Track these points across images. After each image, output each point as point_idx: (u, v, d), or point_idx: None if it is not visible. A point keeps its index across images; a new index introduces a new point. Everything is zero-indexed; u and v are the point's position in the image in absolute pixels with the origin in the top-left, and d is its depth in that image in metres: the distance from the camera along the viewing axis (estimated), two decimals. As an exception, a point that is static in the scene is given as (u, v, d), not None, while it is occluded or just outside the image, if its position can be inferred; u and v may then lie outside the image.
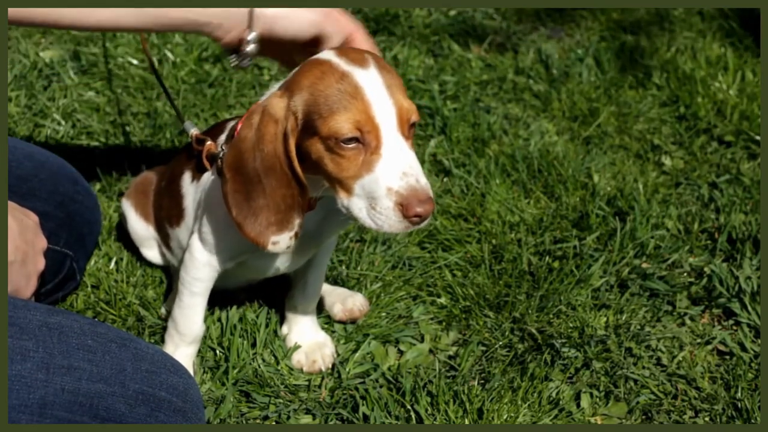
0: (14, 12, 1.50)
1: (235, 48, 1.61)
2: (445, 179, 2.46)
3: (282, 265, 1.74)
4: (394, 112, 1.38)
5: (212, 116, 2.63)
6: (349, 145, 1.39)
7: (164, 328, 1.84)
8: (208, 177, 1.66)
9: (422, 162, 2.49)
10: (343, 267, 2.13)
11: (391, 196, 1.38)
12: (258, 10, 1.55)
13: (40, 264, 1.54)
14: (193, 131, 1.71)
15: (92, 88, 2.72)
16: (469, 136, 2.60)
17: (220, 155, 1.58)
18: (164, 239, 1.95)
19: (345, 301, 1.97)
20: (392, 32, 3.13)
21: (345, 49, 1.47)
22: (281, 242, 1.52)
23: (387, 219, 1.40)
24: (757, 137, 2.64)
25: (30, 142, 2.35)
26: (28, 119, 2.55)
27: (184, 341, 1.78)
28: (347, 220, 1.53)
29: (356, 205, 1.42)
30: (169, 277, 2.06)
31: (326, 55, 1.45)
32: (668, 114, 2.80)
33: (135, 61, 2.85)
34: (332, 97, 1.38)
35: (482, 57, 3.07)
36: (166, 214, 1.90)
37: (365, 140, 1.39)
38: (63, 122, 2.54)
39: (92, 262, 2.06)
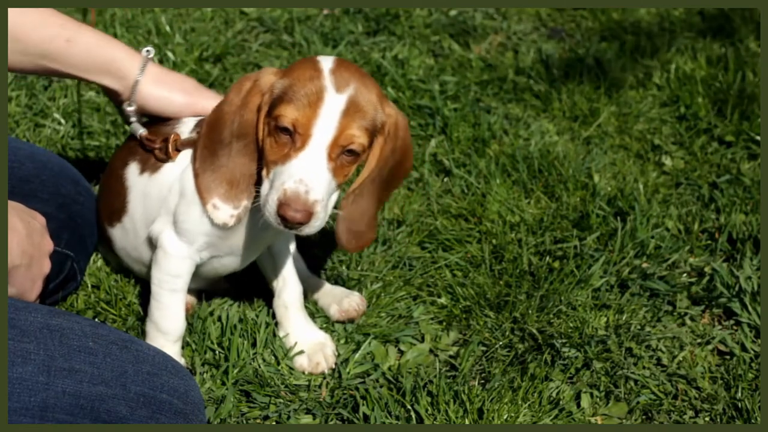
0: None
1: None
2: (446, 179, 2.46)
3: (236, 261, 1.82)
4: (332, 134, 1.54)
5: (213, 116, 2.63)
6: (283, 134, 1.55)
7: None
8: (183, 167, 1.71)
9: (422, 162, 2.49)
10: (344, 267, 2.13)
11: (278, 193, 1.54)
12: (140, 87, 1.78)
13: (46, 267, 1.54)
14: (142, 132, 1.79)
15: (92, 87, 2.72)
16: (469, 136, 2.61)
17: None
18: (107, 243, 1.95)
19: (341, 302, 1.98)
20: (393, 32, 3.14)
21: (343, 66, 1.60)
22: (221, 211, 1.66)
23: (269, 208, 1.55)
24: (758, 137, 2.64)
25: (31, 142, 2.36)
26: (29, 119, 2.55)
27: (169, 340, 1.78)
28: None
29: (264, 187, 1.59)
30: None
31: (326, 63, 1.59)
32: (668, 114, 2.80)
33: (135, 61, 2.85)
34: (298, 94, 1.54)
35: (483, 57, 3.07)
36: (104, 213, 1.90)
37: (294, 138, 1.55)
38: (63, 122, 2.55)
39: (92, 261, 2.06)
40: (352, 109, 1.55)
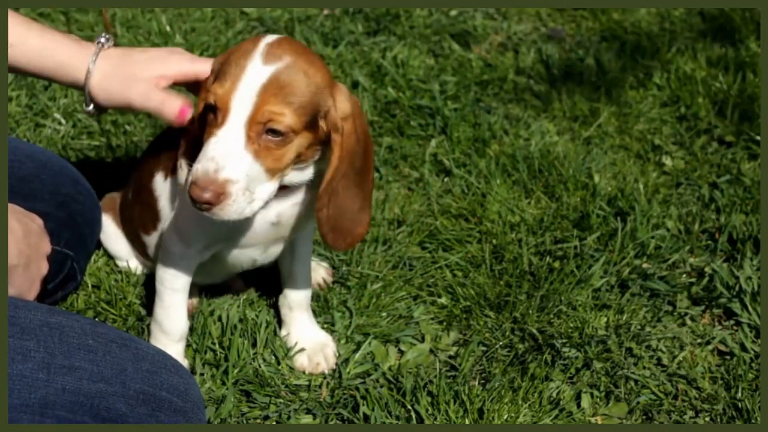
0: None
1: None
2: (446, 179, 2.46)
3: (258, 256, 1.76)
4: (249, 110, 1.43)
5: (213, 116, 2.63)
6: (211, 113, 1.46)
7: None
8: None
9: (423, 162, 2.49)
10: (344, 266, 2.13)
11: (192, 172, 1.45)
12: (91, 87, 1.65)
13: (44, 268, 1.54)
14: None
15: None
16: (469, 136, 2.61)
17: None
18: (141, 249, 1.96)
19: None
20: (393, 32, 3.14)
21: (285, 42, 1.50)
22: (183, 172, 1.59)
23: (186, 190, 1.47)
24: (758, 137, 2.64)
25: (30, 142, 2.36)
26: (29, 119, 2.55)
27: (171, 340, 1.78)
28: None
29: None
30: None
31: (266, 40, 1.49)
32: (669, 114, 2.80)
33: (136, 61, 2.85)
34: (226, 69, 1.45)
35: (483, 57, 3.07)
36: (139, 223, 1.90)
37: (216, 115, 1.45)
38: (64, 122, 2.55)
39: (93, 261, 2.06)
40: (276, 84, 1.43)
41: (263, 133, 1.45)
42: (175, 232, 1.71)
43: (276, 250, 1.78)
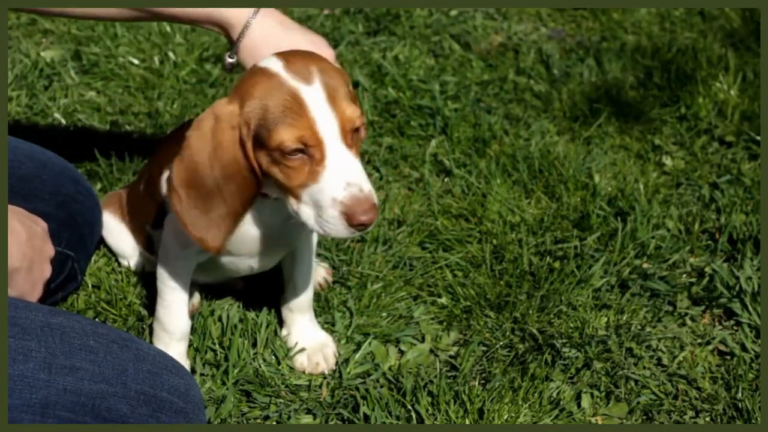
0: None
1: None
2: (446, 179, 2.46)
3: (255, 263, 1.76)
4: (336, 125, 1.44)
5: (213, 116, 2.63)
6: (295, 157, 1.44)
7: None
8: None
9: (423, 162, 2.49)
10: (344, 266, 2.13)
11: (336, 206, 1.44)
12: (242, 42, 1.70)
13: (47, 271, 1.54)
14: None
15: (93, 87, 2.72)
16: (470, 136, 2.61)
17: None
18: (146, 244, 1.96)
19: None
20: (393, 32, 3.14)
21: (291, 58, 1.49)
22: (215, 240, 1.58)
23: (334, 226, 1.46)
24: (758, 138, 2.64)
25: (31, 142, 2.36)
26: (29, 119, 2.55)
27: (173, 339, 1.79)
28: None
29: (305, 212, 1.49)
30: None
31: (274, 65, 1.48)
32: (669, 114, 2.80)
33: (136, 61, 2.85)
34: (279, 112, 1.43)
35: (483, 57, 3.07)
36: (147, 216, 1.90)
37: (310, 153, 1.44)
38: (64, 122, 2.55)
39: (93, 261, 2.06)
40: (330, 90, 1.45)
41: (353, 134, 1.47)
42: (174, 233, 1.72)
43: (274, 259, 1.80)
